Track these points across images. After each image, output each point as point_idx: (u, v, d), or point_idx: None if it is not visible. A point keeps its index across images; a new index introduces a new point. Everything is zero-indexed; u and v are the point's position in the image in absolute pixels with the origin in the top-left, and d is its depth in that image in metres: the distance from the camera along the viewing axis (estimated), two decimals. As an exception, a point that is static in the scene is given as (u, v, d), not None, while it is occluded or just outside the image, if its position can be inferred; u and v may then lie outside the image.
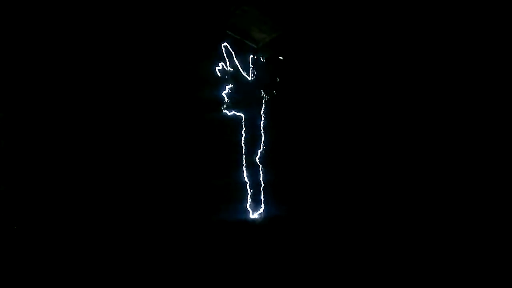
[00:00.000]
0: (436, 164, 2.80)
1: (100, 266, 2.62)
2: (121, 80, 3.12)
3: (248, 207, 3.93)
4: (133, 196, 2.97)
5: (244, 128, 4.14)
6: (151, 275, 2.87)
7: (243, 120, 4.16)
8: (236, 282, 3.28)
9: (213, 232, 3.42)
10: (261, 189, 4.08)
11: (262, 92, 4.45)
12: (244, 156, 4.06)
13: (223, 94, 4.00)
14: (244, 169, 4.02)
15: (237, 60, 4.29)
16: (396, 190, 3.02)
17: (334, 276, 3.19)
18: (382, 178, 3.15)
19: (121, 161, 2.97)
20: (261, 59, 4.56)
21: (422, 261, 2.70)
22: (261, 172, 4.13)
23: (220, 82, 4.03)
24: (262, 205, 4.03)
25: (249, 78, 4.40)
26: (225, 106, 4.00)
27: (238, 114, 4.14)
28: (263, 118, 4.35)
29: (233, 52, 4.25)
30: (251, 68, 4.50)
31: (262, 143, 4.27)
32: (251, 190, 4.00)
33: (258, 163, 4.16)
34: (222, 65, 4.08)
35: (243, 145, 4.09)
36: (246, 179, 3.99)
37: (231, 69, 4.17)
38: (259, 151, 4.22)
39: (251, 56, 4.52)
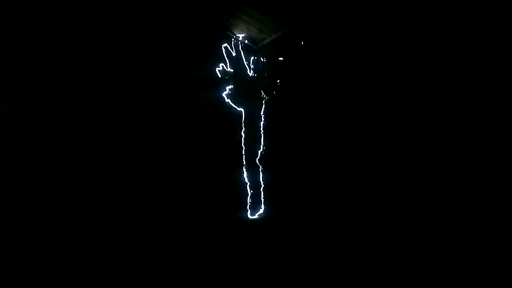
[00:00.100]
0: (436, 164, 2.80)
1: (100, 266, 2.63)
2: (121, 80, 3.12)
3: (248, 207, 3.93)
4: (132, 196, 2.97)
5: (244, 129, 4.15)
6: (150, 275, 2.88)
7: (243, 121, 4.17)
8: (235, 282, 3.28)
9: (212, 232, 3.42)
10: (261, 190, 4.08)
11: (262, 93, 4.45)
12: (244, 157, 4.06)
13: (223, 94, 4.00)
14: (244, 169, 4.02)
15: (236, 60, 4.29)
16: (396, 190, 3.02)
17: (333, 275, 3.19)
18: (382, 178, 3.15)
19: (121, 161, 2.97)
20: (261, 59, 4.56)
21: (422, 261, 2.71)
22: (261, 173, 4.13)
23: (219, 83, 4.03)
24: (262, 205, 4.03)
25: (249, 79, 4.40)
26: (224, 106, 4.00)
27: (238, 114, 4.15)
28: (263, 119, 4.35)
29: (233, 53, 4.25)
30: (250, 69, 4.50)
31: (262, 143, 4.27)
32: (251, 191, 4.00)
33: (258, 163, 4.16)
34: (222, 66, 4.08)
35: (243, 145, 4.09)
36: (246, 180, 3.99)
37: (231, 70, 4.17)
38: (259, 151, 4.22)
39: (251, 56, 4.52)
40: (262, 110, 4.38)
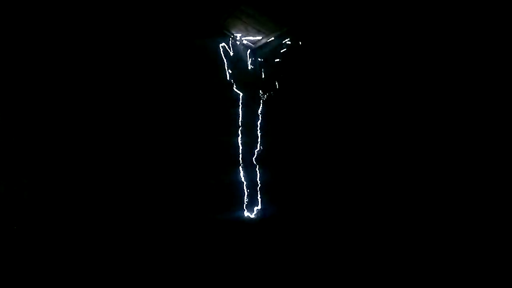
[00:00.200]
0: (436, 164, 2.81)
1: (99, 265, 2.66)
2: (120, 79, 3.13)
3: (244, 206, 3.98)
4: (130, 196, 3.00)
5: (241, 128, 4.17)
6: (148, 274, 2.92)
7: (240, 120, 4.19)
8: (233, 281, 3.33)
9: (209, 232, 3.45)
10: (258, 189, 4.12)
11: (260, 92, 4.47)
12: (241, 156, 4.10)
13: (221, 94, 4.02)
14: (241, 168, 4.06)
15: (235, 60, 4.30)
16: (394, 189, 3.04)
17: (330, 275, 3.23)
18: (380, 178, 3.18)
19: (120, 161, 3.00)
20: (259, 59, 4.57)
21: (421, 261, 2.72)
22: (258, 172, 4.17)
23: (217, 82, 4.04)
24: (259, 204, 4.08)
25: (247, 79, 4.42)
26: (222, 105, 4.02)
27: (235, 113, 4.17)
28: (260, 118, 4.38)
29: (231, 52, 4.26)
30: (248, 68, 4.51)
31: (259, 143, 4.30)
32: (248, 190, 4.04)
33: (255, 163, 4.20)
34: (220, 65, 4.09)
35: (240, 145, 4.12)
36: (243, 179, 4.03)
37: (229, 69, 4.19)
38: (256, 151, 4.25)
39: (249, 56, 4.53)
40: (260, 110, 4.40)
